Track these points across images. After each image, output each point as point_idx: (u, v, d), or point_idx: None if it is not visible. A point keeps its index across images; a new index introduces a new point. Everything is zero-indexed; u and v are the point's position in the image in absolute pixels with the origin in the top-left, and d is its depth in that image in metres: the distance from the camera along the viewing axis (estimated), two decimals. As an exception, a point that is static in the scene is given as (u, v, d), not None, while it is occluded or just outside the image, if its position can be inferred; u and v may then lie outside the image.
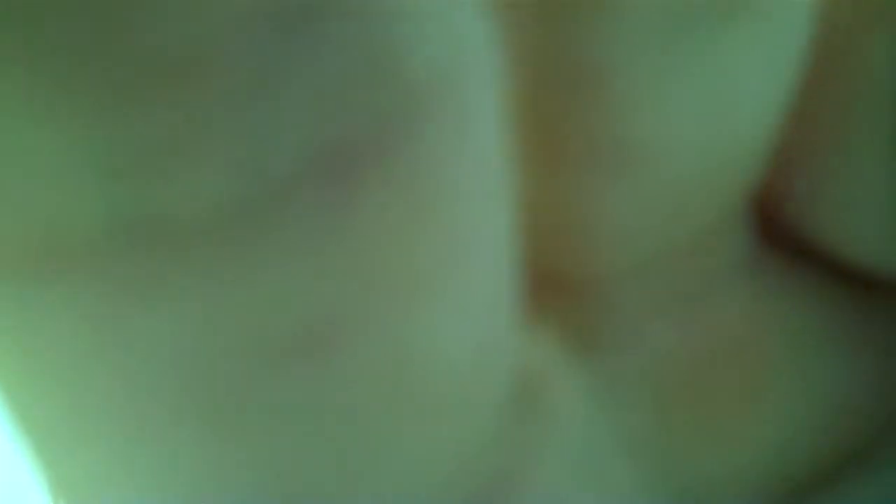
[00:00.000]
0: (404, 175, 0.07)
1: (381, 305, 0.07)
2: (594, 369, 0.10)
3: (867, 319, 0.11)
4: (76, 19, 0.06)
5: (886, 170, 0.10)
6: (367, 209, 0.07)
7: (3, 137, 0.06)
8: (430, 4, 0.07)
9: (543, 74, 0.08)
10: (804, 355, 0.10)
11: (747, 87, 0.09)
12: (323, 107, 0.06)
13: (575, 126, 0.09)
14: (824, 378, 0.10)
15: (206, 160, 0.06)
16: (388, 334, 0.07)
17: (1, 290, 0.07)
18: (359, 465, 0.08)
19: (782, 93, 0.09)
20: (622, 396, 0.10)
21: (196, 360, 0.07)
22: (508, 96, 0.08)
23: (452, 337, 0.08)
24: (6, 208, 0.06)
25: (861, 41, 0.10)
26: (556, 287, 0.10)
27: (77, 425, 0.07)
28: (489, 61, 0.07)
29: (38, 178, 0.06)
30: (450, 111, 0.07)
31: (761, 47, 0.09)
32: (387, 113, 0.07)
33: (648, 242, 0.09)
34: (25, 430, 0.08)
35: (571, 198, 0.09)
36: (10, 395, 0.08)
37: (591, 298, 0.10)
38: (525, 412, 0.09)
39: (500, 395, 0.08)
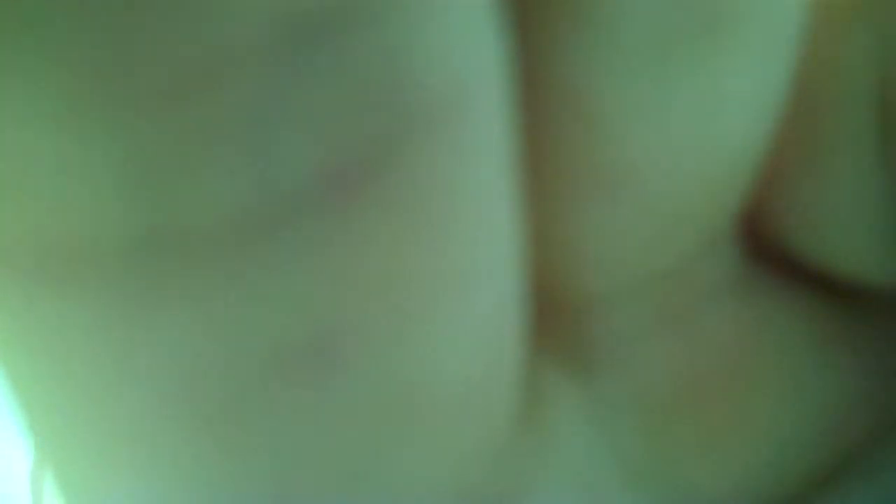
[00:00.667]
0: (412, 189, 0.07)
1: (385, 316, 0.07)
2: (589, 390, 0.10)
3: (855, 331, 0.11)
4: (98, 32, 0.06)
5: (869, 182, 0.10)
6: (373, 221, 0.07)
7: (27, 145, 0.06)
8: (445, 21, 0.07)
9: (540, 93, 0.08)
10: (794, 370, 0.11)
11: (735, 104, 0.09)
12: (335, 122, 0.06)
13: (565, 149, 0.09)
14: (814, 392, 0.11)
15: (221, 172, 0.06)
16: (391, 346, 0.07)
17: (17, 291, 0.07)
18: (359, 476, 0.08)
19: (770, 109, 0.09)
20: (616, 417, 0.10)
21: (205, 366, 0.07)
22: (513, 105, 0.08)
23: (456, 351, 0.08)
24: (27, 212, 0.06)
25: (839, 54, 0.10)
26: (550, 308, 0.10)
27: (86, 427, 0.07)
28: (500, 79, 0.07)
29: (58, 185, 0.06)
30: (460, 127, 0.07)
31: (749, 64, 0.09)
32: (398, 128, 0.07)
33: (640, 263, 0.09)
34: (34, 431, 0.08)
35: (563, 220, 0.09)
36: (21, 395, 0.08)
37: (584, 320, 0.10)
38: (525, 432, 0.09)
39: (502, 413, 0.09)
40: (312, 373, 0.07)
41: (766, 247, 0.11)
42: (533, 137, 0.09)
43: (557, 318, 0.10)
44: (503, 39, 0.08)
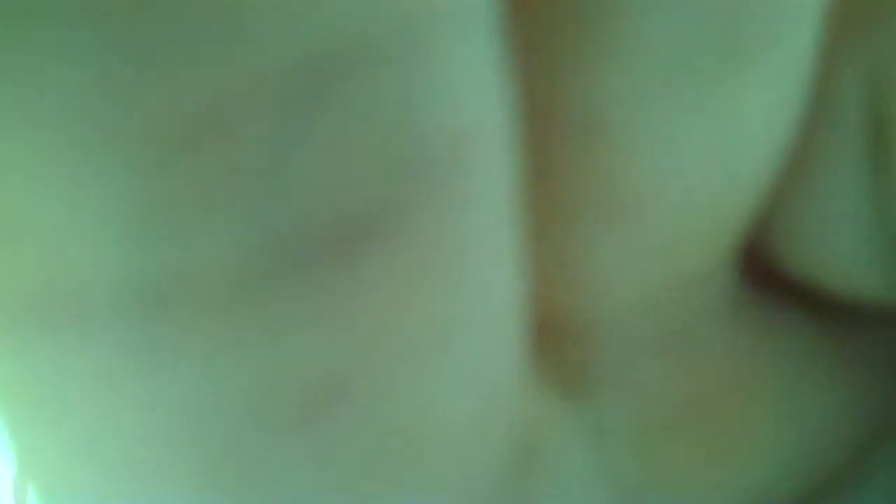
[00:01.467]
0: (418, 242, 0.07)
1: (389, 362, 0.07)
2: (586, 414, 0.10)
3: (849, 347, 0.11)
4: (109, 76, 0.06)
5: (859, 197, 0.10)
6: (378, 273, 0.07)
7: (31, 189, 0.06)
8: (457, 67, 0.07)
9: (548, 122, 0.08)
10: (789, 390, 0.11)
11: (749, 131, 0.09)
12: (346, 171, 0.06)
13: (576, 174, 0.08)
14: (809, 411, 0.11)
15: (229, 221, 0.06)
16: (395, 390, 0.07)
17: (14, 336, 0.07)
18: None
19: (782, 136, 0.09)
20: (613, 440, 0.10)
21: (206, 415, 0.07)
22: (517, 149, 0.08)
23: (459, 390, 0.08)
24: (28, 257, 0.06)
25: (831, 70, 0.10)
26: (548, 333, 0.10)
27: (80, 473, 0.07)
28: (507, 123, 0.07)
29: (61, 229, 0.06)
30: (467, 179, 0.07)
31: (765, 91, 0.08)
32: (407, 181, 0.07)
33: (640, 287, 0.09)
34: (27, 471, 0.08)
35: (565, 245, 0.09)
36: (15, 435, 0.08)
37: (581, 344, 0.10)
38: (523, 462, 0.09)
39: (503, 442, 0.09)
40: (315, 418, 0.07)
41: (759, 264, 0.11)
42: (538, 162, 0.09)
43: (554, 343, 0.10)
44: (509, 76, 0.07)
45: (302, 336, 0.07)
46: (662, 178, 0.09)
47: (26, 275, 0.06)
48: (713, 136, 0.08)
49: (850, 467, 0.11)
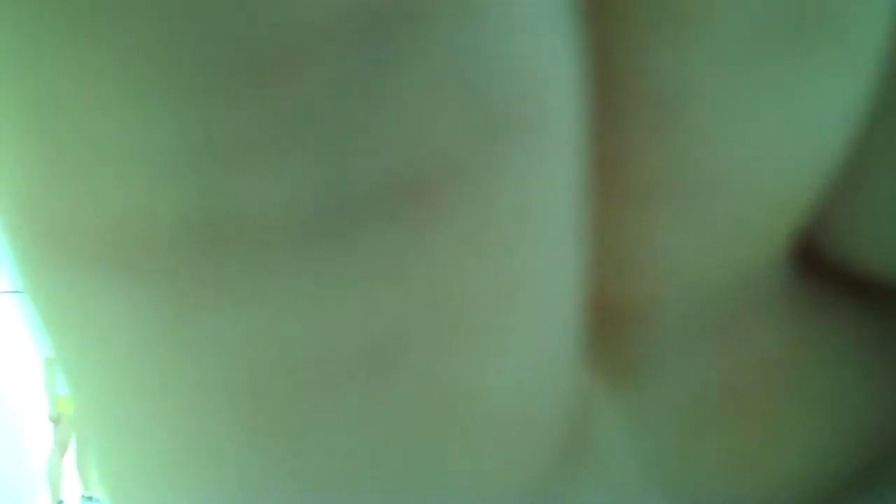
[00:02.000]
0: (484, 202, 0.07)
1: (447, 328, 0.07)
2: (632, 400, 0.10)
3: (886, 335, 0.11)
4: (173, 14, 0.06)
5: None
6: (442, 232, 0.07)
7: (94, 128, 0.06)
8: (527, 25, 0.07)
9: (621, 96, 0.08)
10: (834, 384, 0.10)
11: (817, 120, 0.09)
12: (413, 123, 0.06)
13: (645, 152, 0.08)
14: (851, 404, 0.11)
15: (290, 164, 0.06)
16: (450, 355, 0.07)
17: (73, 278, 0.07)
18: (410, 482, 0.08)
19: (848, 128, 0.09)
20: (658, 427, 0.10)
21: (259, 365, 0.07)
22: (588, 120, 0.08)
23: (512, 362, 0.07)
24: (88, 193, 0.06)
25: None
26: (601, 317, 0.10)
27: (131, 417, 0.07)
28: (576, 88, 0.07)
29: (123, 162, 0.06)
30: (535, 139, 0.07)
31: (839, 75, 0.08)
32: (475, 136, 0.07)
33: (700, 273, 0.09)
34: (81, 417, 0.08)
35: (631, 225, 0.09)
36: (71, 381, 0.08)
37: (632, 328, 0.10)
38: (572, 447, 0.09)
39: (554, 422, 0.08)
40: (368, 380, 0.07)
41: (815, 257, 0.11)
42: (607, 137, 0.08)
43: (608, 329, 0.10)
44: (580, 44, 0.07)
45: (360, 291, 0.07)
46: (731, 161, 0.08)
47: (93, 210, 0.06)
48: (782, 119, 0.08)
49: (889, 459, 0.11)
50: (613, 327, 0.10)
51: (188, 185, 0.06)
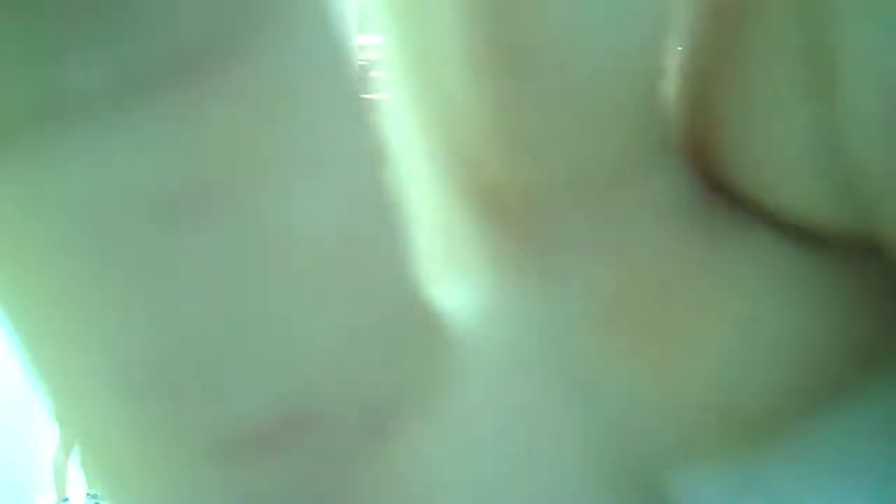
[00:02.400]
0: (253, 80, 0.08)
1: (246, 180, 0.08)
2: (541, 301, 0.10)
3: (812, 272, 0.11)
4: None
5: (800, 123, 0.10)
6: (221, 105, 0.08)
7: None
8: None
9: None
10: (744, 298, 0.11)
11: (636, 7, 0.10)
12: (177, 14, 0.08)
13: (480, 21, 0.09)
14: (767, 322, 0.11)
15: (86, 50, 0.08)
16: (257, 207, 0.08)
17: None
18: (235, 323, 0.09)
19: (669, 20, 0.10)
20: (562, 325, 0.10)
21: (103, 221, 0.08)
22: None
23: (317, 221, 0.09)
24: None
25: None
26: (505, 212, 0.10)
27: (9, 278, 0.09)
28: None
29: None
30: (293, 25, 0.08)
31: None
32: (238, 22, 0.08)
33: (571, 154, 0.10)
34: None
35: (501, 105, 0.10)
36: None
37: (536, 226, 0.10)
38: (429, 340, 0.09)
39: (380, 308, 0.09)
40: (193, 223, 0.08)
41: (720, 186, 0.11)
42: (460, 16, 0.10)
43: (513, 223, 0.10)
44: None
45: (169, 148, 0.08)
46: (570, 34, 0.09)
47: None
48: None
49: (820, 395, 0.11)
50: (518, 216, 0.10)
51: (25, 74, 0.08)
